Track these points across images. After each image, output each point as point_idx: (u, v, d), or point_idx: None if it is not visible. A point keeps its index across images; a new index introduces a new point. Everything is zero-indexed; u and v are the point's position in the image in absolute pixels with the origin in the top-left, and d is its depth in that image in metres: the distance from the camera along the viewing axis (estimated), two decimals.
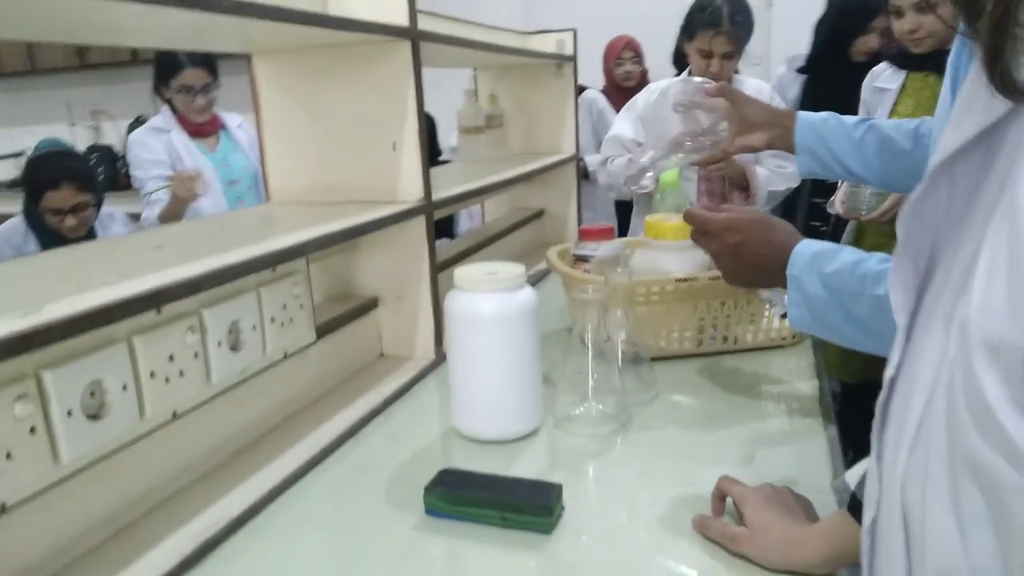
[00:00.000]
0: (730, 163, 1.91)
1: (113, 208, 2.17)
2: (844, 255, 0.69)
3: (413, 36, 0.99)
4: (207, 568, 0.62)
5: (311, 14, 0.81)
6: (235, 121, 2.21)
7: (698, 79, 1.11)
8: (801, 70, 2.44)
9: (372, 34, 0.93)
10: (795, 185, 2.04)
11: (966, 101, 0.27)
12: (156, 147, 2.05)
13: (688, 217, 0.83)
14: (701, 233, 0.82)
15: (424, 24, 1.04)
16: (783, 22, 3.18)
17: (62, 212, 1.89)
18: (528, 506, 0.66)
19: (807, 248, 0.74)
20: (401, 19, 0.97)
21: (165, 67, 2.03)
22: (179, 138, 2.06)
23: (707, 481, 0.68)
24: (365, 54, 1.01)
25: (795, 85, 2.49)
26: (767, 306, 1.03)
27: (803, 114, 0.99)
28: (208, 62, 2.04)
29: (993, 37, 0.25)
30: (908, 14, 1.75)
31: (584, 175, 2.44)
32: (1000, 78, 0.25)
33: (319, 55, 1.03)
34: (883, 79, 1.90)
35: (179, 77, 2.01)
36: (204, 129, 2.11)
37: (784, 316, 0.77)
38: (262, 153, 1.11)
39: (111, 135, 4.38)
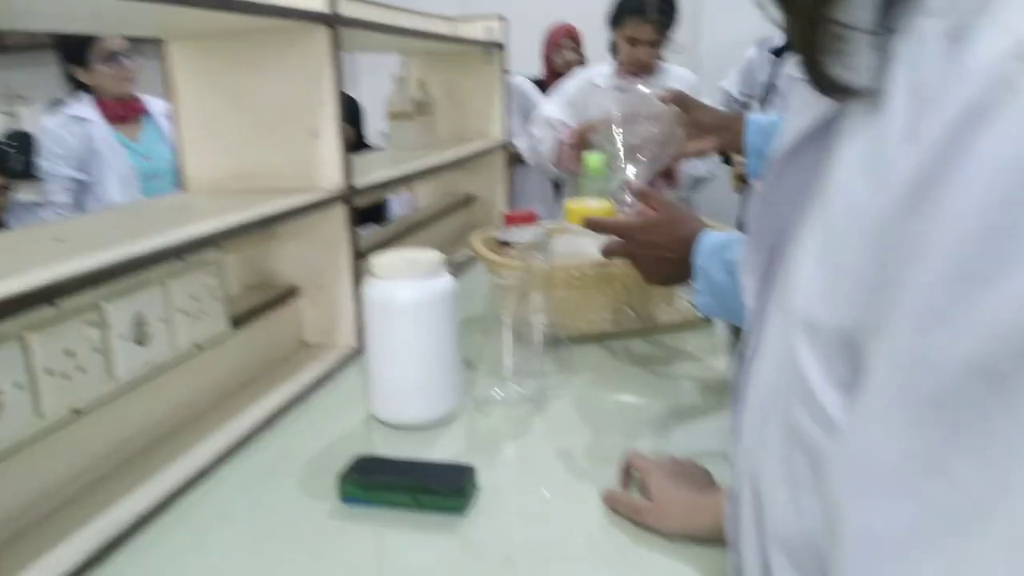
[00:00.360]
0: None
1: (35, 197, 2.07)
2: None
3: (331, 21, 0.98)
4: (115, 564, 0.62)
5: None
6: (160, 107, 2.06)
7: (645, 89, 1.12)
8: (776, 52, 2.49)
9: (287, 19, 0.92)
10: (714, 168, 2.10)
11: (804, 93, 0.29)
12: (69, 141, 1.93)
13: (596, 226, 0.86)
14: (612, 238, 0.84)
15: (348, 9, 1.03)
16: (712, 12, 3.24)
17: None
18: (441, 489, 0.67)
19: (711, 238, 0.77)
20: (318, 4, 0.96)
21: (81, 40, 1.91)
22: (99, 130, 1.95)
23: (620, 457, 0.70)
24: (283, 39, 0.99)
25: (765, 67, 2.53)
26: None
27: (753, 117, 1.01)
28: None
29: (805, 32, 0.26)
30: None
31: (520, 160, 2.44)
32: (815, 76, 0.26)
33: (236, 41, 1.01)
34: None
35: (102, 44, 1.90)
36: (126, 114, 2.01)
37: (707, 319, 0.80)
38: (177, 141, 1.08)
39: (29, 121, 4.20)
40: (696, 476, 0.65)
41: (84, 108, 1.97)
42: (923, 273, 0.19)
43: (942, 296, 0.19)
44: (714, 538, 0.58)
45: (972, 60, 0.19)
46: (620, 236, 0.84)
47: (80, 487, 0.69)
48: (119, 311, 0.68)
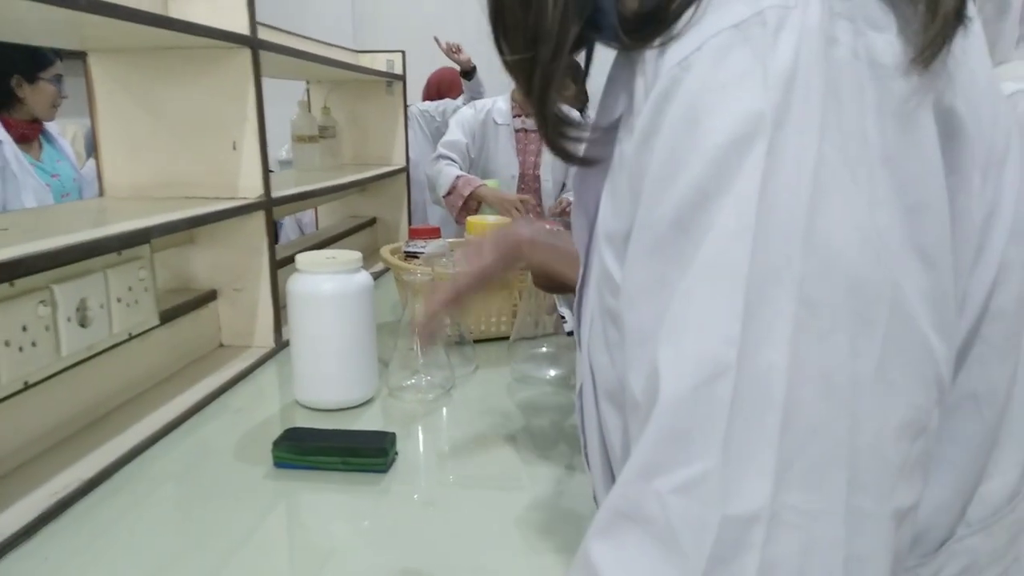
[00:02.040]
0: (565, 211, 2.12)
1: None
2: None
3: (253, 44, 1.07)
4: (65, 522, 0.67)
5: (157, 16, 0.88)
6: (54, 128, 2.12)
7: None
8: None
9: (214, 39, 1.00)
10: None
11: (604, 100, 0.42)
12: None
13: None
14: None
15: (261, 35, 1.12)
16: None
17: None
18: (365, 450, 0.76)
19: None
20: (242, 28, 1.05)
21: (37, 61, 1.97)
22: (11, 149, 1.95)
23: (511, 428, 0.82)
24: (205, 57, 1.07)
25: None
26: (562, 320, 1.06)
27: None
28: None
29: (538, 117, 0.40)
30: None
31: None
32: (550, 145, 0.40)
33: (157, 56, 1.08)
34: None
35: (55, 67, 1.98)
36: (30, 134, 2.02)
37: (570, 333, 0.90)
38: (96, 150, 1.13)
39: None
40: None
41: None
42: (647, 181, 0.33)
43: (655, 189, 0.33)
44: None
45: (663, 65, 0.33)
46: None
47: (29, 456, 0.74)
48: (66, 293, 0.74)
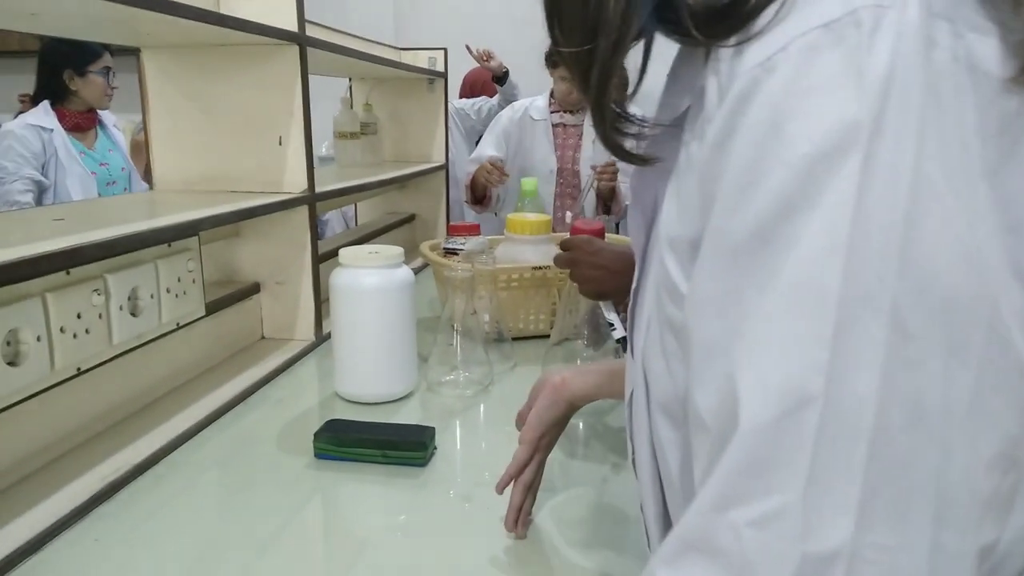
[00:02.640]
0: (614, 177, 2.13)
1: None
2: None
3: (301, 41, 1.09)
4: (114, 505, 0.69)
5: (210, 12, 0.89)
6: (111, 119, 2.22)
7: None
8: None
9: (264, 36, 1.02)
10: None
11: (665, 97, 0.41)
12: (34, 144, 2.02)
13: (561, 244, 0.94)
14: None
15: (309, 32, 1.13)
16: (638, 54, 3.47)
17: None
18: (405, 443, 0.77)
19: None
20: (291, 25, 1.06)
21: (85, 55, 2.05)
22: (60, 139, 2.06)
23: None
24: (254, 54, 1.09)
25: None
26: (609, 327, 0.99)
27: None
28: None
29: (595, 112, 0.38)
30: None
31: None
32: (605, 141, 0.39)
33: (208, 53, 1.10)
34: None
35: (103, 59, 2.07)
36: (84, 124, 2.12)
37: (620, 341, 0.89)
38: (147, 143, 1.16)
39: None
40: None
41: (43, 117, 2.07)
42: (723, 187, 0.32)
43: (732, 197, 0.31)
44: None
45: (742, 66, 0.32)
46: (569, 247, 0.94)
47: (82, 439, 0.77)
48: (119, 283, 0.76)
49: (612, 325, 0.97)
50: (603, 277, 0.91)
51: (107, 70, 2.10)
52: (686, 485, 0.40)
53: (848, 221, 0.28)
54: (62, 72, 2.07)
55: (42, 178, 2.02)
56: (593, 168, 2.18)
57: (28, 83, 2.31)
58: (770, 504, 0.28)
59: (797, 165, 0.29)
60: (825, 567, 0.28)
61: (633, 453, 0.47)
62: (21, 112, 2.38)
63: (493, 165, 2.13)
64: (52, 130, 2.06)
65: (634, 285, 0.46)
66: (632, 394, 0.46)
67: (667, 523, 0.45)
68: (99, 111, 2.17)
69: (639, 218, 0.44)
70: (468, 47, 2.75)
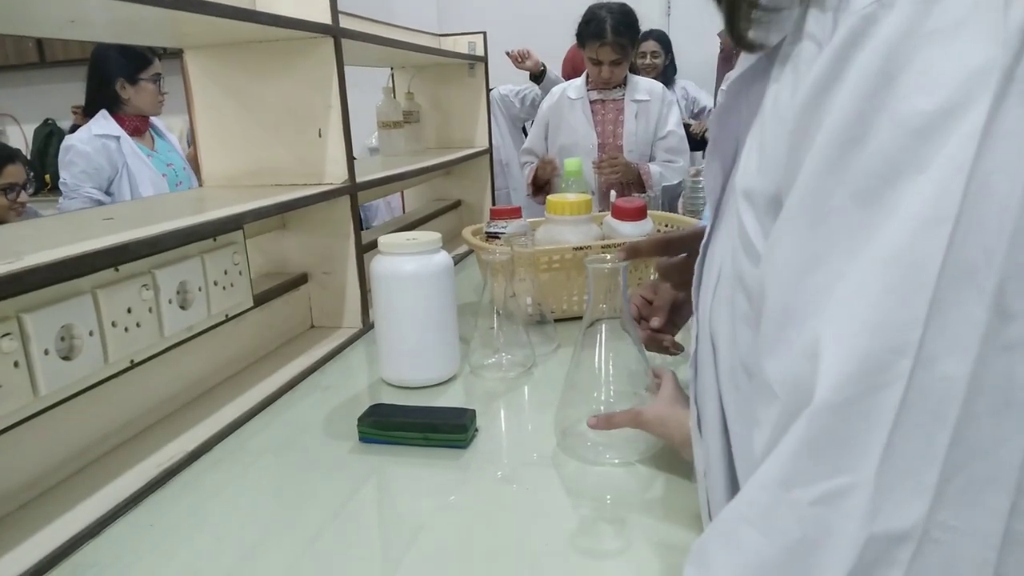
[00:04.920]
0: (626, 168, 2.14)
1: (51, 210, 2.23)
2: None
3: (335, 33, 1.10)
4: (169, 491, 0.72)
5: (243, 10, 0.91)
6: (160, 122, 2.26)
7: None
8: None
9: (298, 30, 1.03)
10: (682, 178, 2.27)
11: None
12: (97, 159, 2.05)
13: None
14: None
15: (345, 24, 1.15)
16: (680, 31, 3.40)
17: (14, 187, 1.97)
18: (446, 426, 0.78)
19: None
20: (324, 18, 1.08)
21: (136, 64, 2.10)
22: (128, 144, 2.10)
23: (597, 410, 0.81)
24: (291, 49, 1.11)
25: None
26: None
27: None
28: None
29: (727, 5, 0.36)
30: None
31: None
32: (736, 37, 0.36)
33: (247, 50, 1.12)
34: None
35: (153, 66, 2.11)
36: (140, 127, 2.17)
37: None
38: (194, 142, 1.19)
39: (16, 138, 4.26)
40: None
41: (106, 125, 2.11)
42: (820, 140, 0.29)
43: (830, 152, 0.29)
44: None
45: (853, 4, 0.29)
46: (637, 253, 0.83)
47: (135, 430, 0.80)
48: (167, 278, 0.79)
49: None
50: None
51: (158, 76, 2.15)
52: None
53: (961, 188, 0.26)
54: (113, 82, 2.10)
55: (102, 197, 2.06)
56: (593, 163, 2.19)
57: (76, 91, 2.37)
58: (837, 483, 0.27)
59: (910, 124, 0.27)
60: (893, 547, 0.27)
61: (699, 416, 0.45)
62: (75, 125, 2.43)
63: (546, 162, 2.24)
64: (119, 137, 2.09)
65: (704, 239, 0.44)
66: (696, 353, 0.44)
67: (734, 490, 0.43)
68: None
69: (717, 166, 0.42)
70: (507, 52, 2.76)
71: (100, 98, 2.13)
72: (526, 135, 3.06)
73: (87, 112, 2.18)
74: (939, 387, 0.26)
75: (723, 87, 0.40)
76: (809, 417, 0.28)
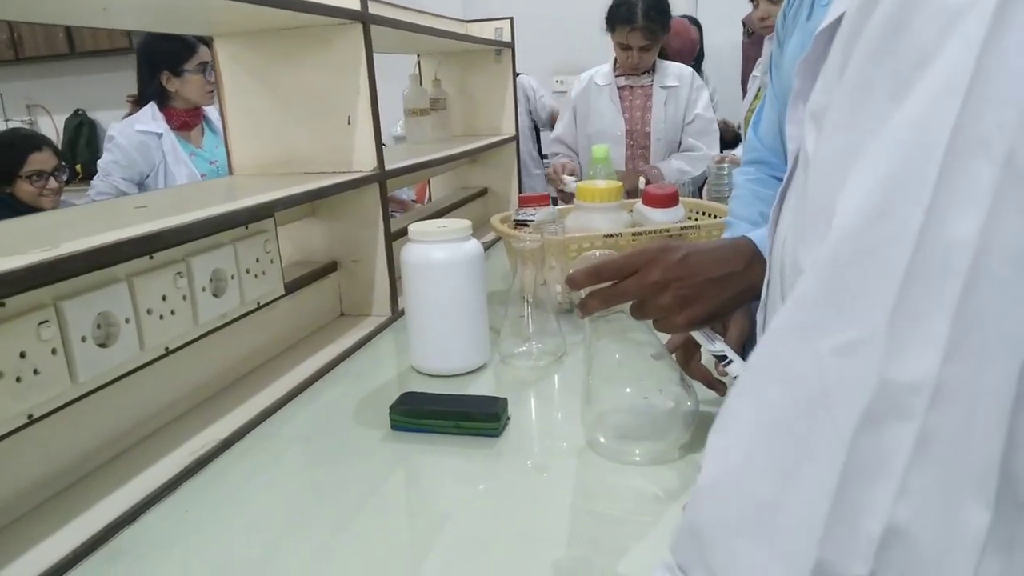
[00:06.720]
0: (628, 178, 2.08)
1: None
2: None
3: (364, 19, 1.09)
4: (203, 479, 0.72)
5: None
6: (213, 113, 2.16)
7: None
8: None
9: (327, 16, 1.03)
10: (706, 166, 2.22)
11: None
12: (132, 154, 2.02)
13: (598, 272, 0.67)
14: (621, 277, 0.67)
15: (373, 10, 1.14)
16: (708, 16, 3.35)
17: (44, 175, 1.95)
18: (478, 414, 0.77)
19: (761, 232, 0.68)
20: (353, 3, 1.07)
21: (182, 49, 2.02)
22: (169, 142, 2.05)
23: (627, 397, 0.80)
24: (319, 36, 1.10)
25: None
26: (717, 361, 0.71)
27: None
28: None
29: None
30: (761, 3, 1.95)
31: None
32: None
33: (276, 37, 1.12)
34: None
35: (198, 55, 2.02)
36: (191, 122, 2.11)
37: (725, 362, 0.66)
38: (225, 131, 1.19)
39: (47, 129, 4.32)
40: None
41: (150, 121, 2.06)
42: (863, 36, 0.31)
43: (871, 47, 0.31)
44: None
45: None
46: (631, 267, 0.67)
47: (170, 417, 0.81)
48: (200, 266, 0.79)
49: (724, 357, 0.69)
50: (706, 292, 0.66)
51: (204, 65, 2.04)
52: None
53: (974, 60, 0.27)
54: (159, 74, 2.04)
55: (129, 188, 2.03)
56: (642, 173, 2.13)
57: (106, 82, 2.33)
58: (854, 333, 0.29)
59: (941, 12, 0.28)
60: (905, 395, 0.28)
61: None
62: (128, 115, 2.31)
63: (556, 173, 2.13)
64: (161, 134, 2.04)
65: (782, 185, 0.45)
66: (767, 295, 0.45)
67: None
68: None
69: (801, 110, 0.43)
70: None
71: (149, 91, 2.08)
72: (535, 132, 3.04)
73: (139, 103, 2.13)
74: (947, 242, 0.27)
75: (816, 33, 0.40)
76: (821, 267, 0.30)
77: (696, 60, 2.84)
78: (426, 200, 2.36)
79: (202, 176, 2.08)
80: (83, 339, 0.65)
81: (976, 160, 0.27)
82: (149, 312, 0.72)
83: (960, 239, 0.27)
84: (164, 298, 0.74)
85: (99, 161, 2.09)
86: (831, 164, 0.33)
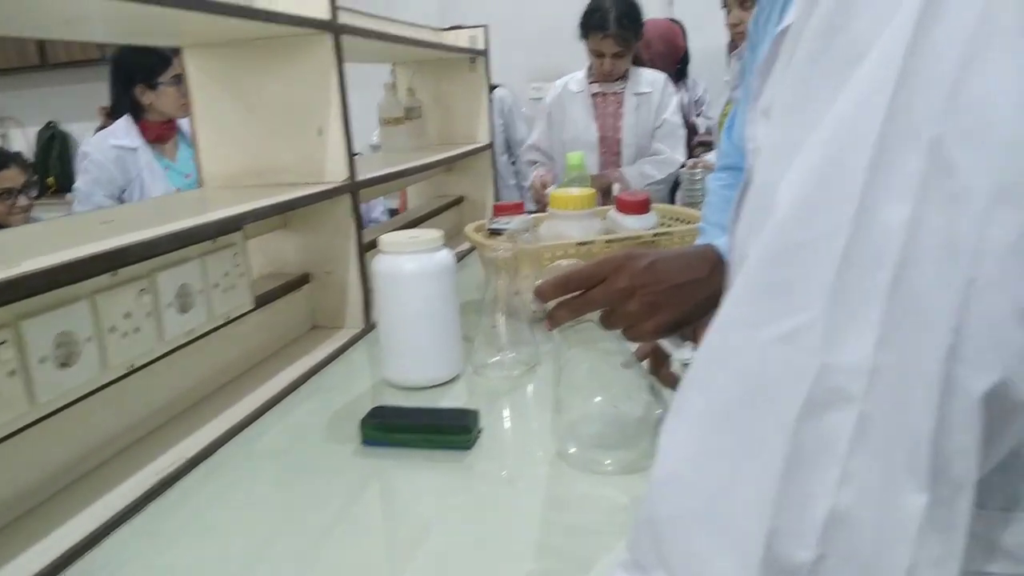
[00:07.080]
0: (598, 180, 2.09)
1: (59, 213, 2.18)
2: None
3: (335, 29, 1.09)
4: (170, 498, 0.71)
5: (239, 7, 0.90)
6: (186, 124, 2.13)
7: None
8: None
9: (296, 27, 1.02)
10: (672, 170, 2.23)
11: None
12: (110, 169, 2.00)
13: (566, 282, 0.66)
14: (588, 286, 0.66)
15: (344, 20, 1.13)
16: (689, 17, 3.36)
17: (12, 192, 1.92)
18: (449, 428, 0.77)
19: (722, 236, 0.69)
20: (323, 14, 1.06)
21: (157, 62, 2.00)
22: (145, 157, 2.03)
23: (597, 405, 0.79)
24: (290, 46, 1.09)
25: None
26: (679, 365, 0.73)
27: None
28: None
29: None
30: (733, 9, 1.97)
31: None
32: None
33: (246, 48, 1.11)
34: None
35: (173, 68, 2.00)
36: (165, 134, 2.09)
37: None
38: (195, 142, 1.18)
39: (18, 142, 4.26)
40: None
41: (124, 136, 2.03)
42: (804, 35, 0.32)
43: (812, 45, 0.32)
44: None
45: None
46: (597, 276, 0.66)
47: (136, 436, 0.79)
48: (166, 281, 0.78)
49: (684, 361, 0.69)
50: (672, 299, 0.65)
51: (178, 78, 2.01)
52: None
53: (904, 51, 0.28)
54: (134, 87, 2.02)
55: (113, 204, 2.00)
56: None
57: (78, 94, 2.31)
58: (795, 321, 0.29)
59: (873, 8, 0.30)
60: (845, 381, 0.28)
61: None
62: (101, 127, 2.33)
63: (537, 189, 2.18)
64: (136, 149, 2.02)
65: (741, 184, 0.46)
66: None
67: None
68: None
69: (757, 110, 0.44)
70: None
71: (123, 104, 2.06)
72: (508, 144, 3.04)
73: (112, 115, 2.10)
74: (879, 230, 0.28)
75: (773, 38, 0.41)
76: (760, 259, 0.31)
77: (681, 63, 2.85)
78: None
79: (176, 190, 2.05)
80: (42, 360, 0.63)
81: (906, 149, 0.28)
82: (112, 330, 0.71)
83: (891, 227, 0.28)
84: (128, 315, 0.73)
85: (77, 183, 2.05)
86: (773, 158, 0.33)
